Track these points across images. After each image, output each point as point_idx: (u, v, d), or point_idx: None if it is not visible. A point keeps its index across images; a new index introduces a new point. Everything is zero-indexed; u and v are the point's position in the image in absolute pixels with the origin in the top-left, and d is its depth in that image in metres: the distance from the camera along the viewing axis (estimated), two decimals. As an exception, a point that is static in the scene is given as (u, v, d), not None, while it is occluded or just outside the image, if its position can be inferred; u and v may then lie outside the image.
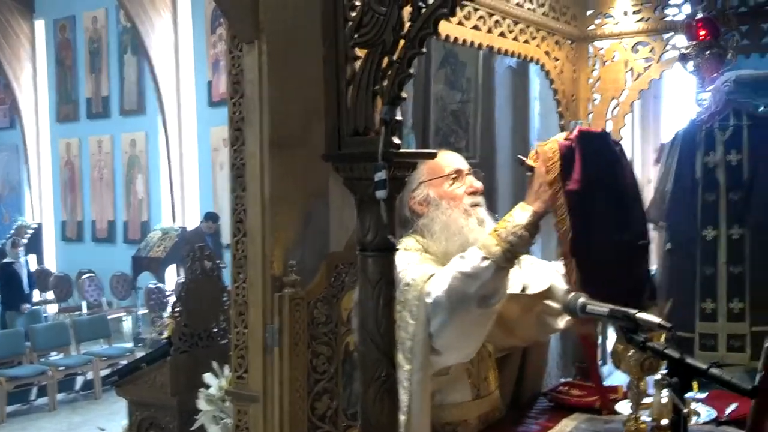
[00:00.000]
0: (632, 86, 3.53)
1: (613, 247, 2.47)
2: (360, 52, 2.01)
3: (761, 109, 6.38)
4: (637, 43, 3.53)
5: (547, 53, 3.35)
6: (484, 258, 2.31)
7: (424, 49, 1.93)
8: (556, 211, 2.37)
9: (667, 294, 6.73)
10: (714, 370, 1.76)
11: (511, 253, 2.33)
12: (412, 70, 1.93)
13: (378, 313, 1.97)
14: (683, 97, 9.42)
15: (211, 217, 11.08)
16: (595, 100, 3.59)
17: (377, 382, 1.99)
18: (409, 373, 2.35)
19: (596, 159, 2.44)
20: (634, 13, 3.52)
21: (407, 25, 1.92)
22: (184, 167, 12.92)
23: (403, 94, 1.95)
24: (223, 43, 11.81)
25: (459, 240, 2.55)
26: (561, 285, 2.64)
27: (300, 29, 2.82)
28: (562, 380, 3.22)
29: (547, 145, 2.44)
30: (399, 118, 1.95)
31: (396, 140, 1.94)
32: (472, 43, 2.90)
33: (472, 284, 2.29)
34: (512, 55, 3.14)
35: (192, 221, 12.49)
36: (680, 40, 3.44)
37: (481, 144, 5.97)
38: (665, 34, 3.48)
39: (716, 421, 2.68)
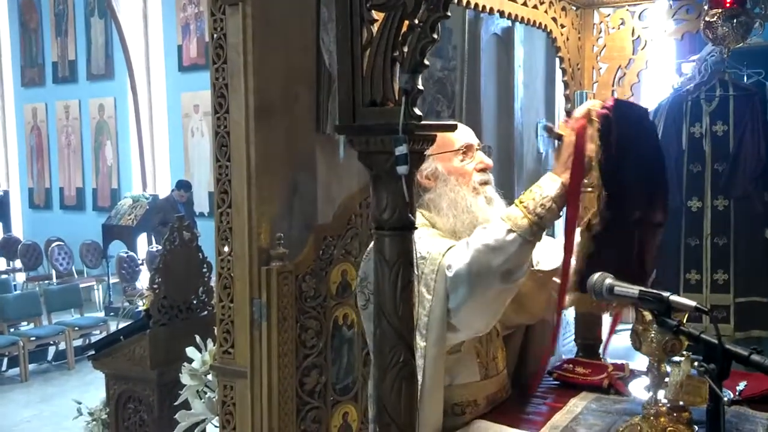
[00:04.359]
0: (639, 55, 3.41)
1: (634, 224, 2.38)
2: (377, 15, 1.87)
3: (747, 79, 6.35)
4: (644, 10, 3.41)
5: (554, 19, 3.23)
6: (510, 230, 2.19)
7: (449, 13, 1.80)
8: (591, 182, 2.25)
9: (652, 264, 6.74)
10: (755, 357, 1.68)
11: (539, 226, 2.21)
12: (435, 36, 1.80)
13: (396, 296, 1.85)
14: (664, 67, 9.37)
15: (183, 186, 10.84)
16: (600, 69, 3.47)
17: (395, 369, 1.86)
18: (423, 349, 2.24)
19: (631, 131, 2.31)
20: (642, -22, 3.41)
21: (430, -15, 1.79)
22: (155, 134, 12.66)
23: (426, 62, 1.82)
24: (192, 6, 11.54)
25: (467, 218, 2.43)
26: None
27: (287, -10, 2.68)
28: (565, 358, 3.14)
29: (583, 112, 2.29)
30: (420, 87, 1.82)
31: (417, 111, 1.81)
32: (483, 7, 2.78)
33: (497, 258, 2.17)
34: (521, 21, 3.03)
35: (163, 189, 12.26)
36: (684, 9, 3.33)
37: (467, 113, 5.86)
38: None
39: (728, 402, 2.62)
